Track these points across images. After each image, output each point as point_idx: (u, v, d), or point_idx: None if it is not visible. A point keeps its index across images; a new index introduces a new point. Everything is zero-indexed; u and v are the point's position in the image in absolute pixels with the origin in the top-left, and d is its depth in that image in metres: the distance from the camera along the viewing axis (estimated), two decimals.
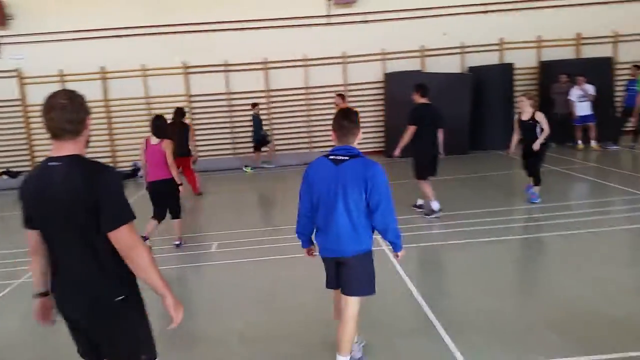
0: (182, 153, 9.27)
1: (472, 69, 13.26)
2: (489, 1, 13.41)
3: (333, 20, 13.48)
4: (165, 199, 6.61)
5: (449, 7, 13.36)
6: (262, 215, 9.31)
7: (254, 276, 5.67)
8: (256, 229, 7.52)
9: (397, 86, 12.53)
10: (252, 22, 13.22)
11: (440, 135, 7.27)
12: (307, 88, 13.62)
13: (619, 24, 13.60)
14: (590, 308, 4.29)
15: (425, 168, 7.33)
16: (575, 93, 12.09)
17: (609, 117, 12.68)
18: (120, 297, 2.42)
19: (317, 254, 3.56)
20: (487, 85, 12.69)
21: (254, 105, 12.55)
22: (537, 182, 7.65)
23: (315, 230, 3.52)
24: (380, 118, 13.74)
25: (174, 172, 6.49)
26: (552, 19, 13.51)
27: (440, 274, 5.68)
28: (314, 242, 3.59)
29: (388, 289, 4.68)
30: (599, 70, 12.83)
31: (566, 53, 13.70)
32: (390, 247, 3.53)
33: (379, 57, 13.64)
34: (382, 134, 13.75)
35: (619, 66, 13.49)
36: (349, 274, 3.38)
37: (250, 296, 5.08)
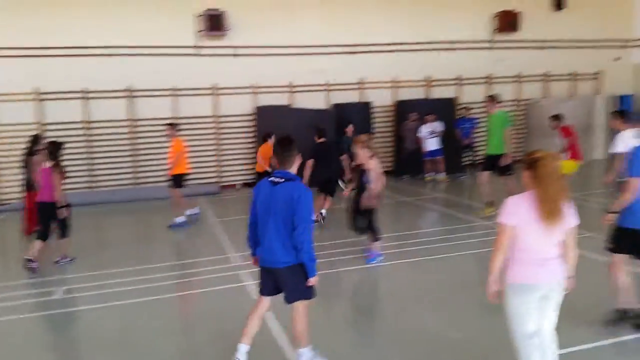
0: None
1: (336, 105, 14.08)
2: (353, 42, 14.45)
3: (203, 51, 13.52)
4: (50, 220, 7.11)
5: (316, 46, 14.15)
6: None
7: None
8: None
9: (267, 120, 12.87)
10: (115, 48, 12.75)
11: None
12: (175, 118, 13.42)
13: (463, 69, 15.50)
14: (433, 331, 4.78)
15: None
16: (424, 130, 13.44)
17: (455, 150, 14.26)
18: None
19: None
20: (348, 122, 13.55)
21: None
22: (375, 237, 6.74)
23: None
24: (252, 150, 13.94)
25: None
26: (407, 62, 14.95)
27: None
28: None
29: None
30: (445, 109, 14.39)
31: (418, 94, 15.20)
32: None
33: (249, 90, 13.91)
34: (252, 166, 13.96)
35: (461, 105, 15.31)
36: (284, 284, 3.87)
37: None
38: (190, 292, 6.54)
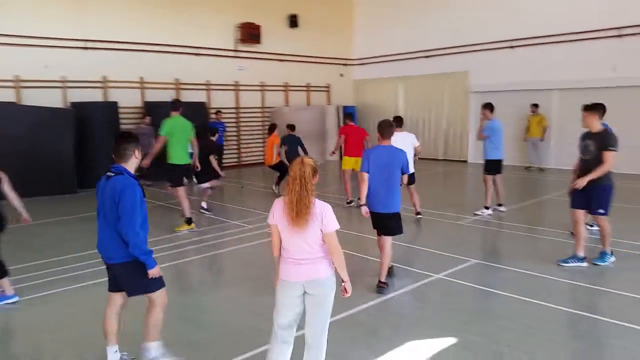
0: None
1: (74, 104, 12.74)
2: (90, 38, 13.33)
3: None
4: None
5: (47, 38, 12.58)
6: None
7: None
8: None
9: None
10: None
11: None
12: None
13: (210, 74, 15.87)
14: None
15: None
16: None
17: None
18: None
19: None
20: (92, 122, 12.40)
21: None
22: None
23: None
24: None
25: None
26: (155, 63, 14.53)
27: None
28: None
29: None
30: (197, 113, 14.37)
31: (167, 95, 14.90)
32: None
33: None
34: None
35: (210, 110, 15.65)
36: (121, 279, 3.79)
37: None
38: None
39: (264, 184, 13.24)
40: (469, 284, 5.65)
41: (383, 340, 4.33)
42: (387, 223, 5.49)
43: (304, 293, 3.29)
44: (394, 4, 18.65)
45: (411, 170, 7.16)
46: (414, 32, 18.02)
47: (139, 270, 3.67)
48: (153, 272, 3.70)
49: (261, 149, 17.60)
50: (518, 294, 5.26)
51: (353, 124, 10.60)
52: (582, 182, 5.85)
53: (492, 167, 9.09)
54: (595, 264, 6.11)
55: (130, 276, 3.73)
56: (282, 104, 18.08)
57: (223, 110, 15.54)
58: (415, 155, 8.41)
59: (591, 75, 13.87)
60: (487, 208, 9.07)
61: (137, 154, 3.78)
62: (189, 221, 8.37)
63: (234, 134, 16.87)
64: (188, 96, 15.16)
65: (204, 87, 15.90)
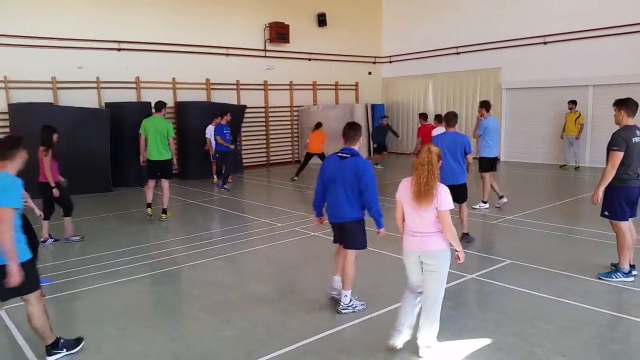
0: None
1: (108, 105, 13.05)
2: (124, 39, 13.62)
3: None
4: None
5: (82, 40, 12.93)
6: None
7: None
8: None
9: (23, 119, 11.19)
10: None
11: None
12: None
13: (240, 74, 16.02)
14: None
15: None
16: (210, 130, 13.20)
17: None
18: None
19: None
20: (126, 123, 12.66)
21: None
22: None
23: None
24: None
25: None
26: (186, 64, 14.75)
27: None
28: None
29: None
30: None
31: (198, 95, 15.13)
32: None
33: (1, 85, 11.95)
34: None
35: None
36: (345, 234, 4.81)
37: None
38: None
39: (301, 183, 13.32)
40: (503, 284, 5.56)
41: (414, 340, 4.30)
42: (459, 191, 6.78)
43: (422, 262, 3.82)
44: (422, 1, 18.47)
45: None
46: (443, 29, 17.80)
47: (360, 228, 4.72)
48: (382, 231, 4.72)
49: (289, 148, 17.71)
50: (553, 294, 5.15)
51: (427, 123, 12.60)
52: (597, 195, 5.41)
53: (486, 164, 9.27)
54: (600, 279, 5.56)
55: (353, 232, 4.70)
56: (311, 102, 18.12)
57: (251, 110, 15.59)
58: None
59: (627, 71, 13.45)
60: (484, 202, 9.44)
61: (361, 140, 4.83)
62: (149, 205, 9.24)
63: (263, 133, 16.99)
64: (218, 96, 15.36)
65: (234, 86, 16.06)
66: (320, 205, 4.97)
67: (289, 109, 17.66)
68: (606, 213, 5.52)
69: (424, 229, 3.74)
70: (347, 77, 19.20)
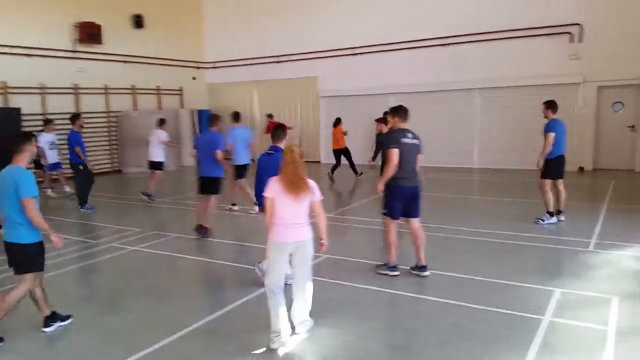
0: None
1: None
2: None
3: None
4: None
5: None
6: None
7: None
8: None
9: None
10: None
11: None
12: None
13: (44, 76, 14.44)
14: None
15: None
16: (45, 139, 11.52)
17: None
18: None
19: None
20: None
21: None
22: None
23: None
24: None
25: None
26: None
27: None
28: None
29: None
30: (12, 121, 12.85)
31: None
32: None
33: None
34: None
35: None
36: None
37: None
38: None
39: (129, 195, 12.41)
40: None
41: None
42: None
43: (291, 254, 4.14)
44: (244, 8, 18.79)
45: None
46: (264, 37, 18.34)
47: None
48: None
49: (108, 156, 16.50)
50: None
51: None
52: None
53: (239, 171, 9.58)
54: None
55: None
56: (131, 108, 17.12)
57: (59, 116, 14.03)
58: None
59: (419, 80, 15.51)
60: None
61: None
62: None
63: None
64: (14, 101, 13.64)
65: (37, 91, 14.37)
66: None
67: (105, 114, 16.43)
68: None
69: (302, 220, 4.10)
70: (170, 82, 18.58)
